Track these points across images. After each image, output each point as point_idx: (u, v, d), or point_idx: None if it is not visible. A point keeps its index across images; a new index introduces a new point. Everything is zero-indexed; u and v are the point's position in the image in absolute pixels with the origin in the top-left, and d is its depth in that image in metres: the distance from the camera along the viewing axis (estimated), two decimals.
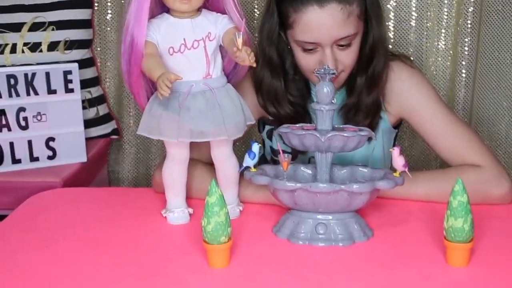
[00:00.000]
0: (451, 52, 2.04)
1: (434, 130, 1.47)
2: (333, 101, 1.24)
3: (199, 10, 1.31)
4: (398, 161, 1.23)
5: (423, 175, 1.42)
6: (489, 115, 2.09)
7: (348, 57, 1.43)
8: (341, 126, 1.29)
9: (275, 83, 1.50)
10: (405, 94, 1.49)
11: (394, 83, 1.50)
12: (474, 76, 2.05)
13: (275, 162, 1.59)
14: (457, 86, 2.06)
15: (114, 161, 2.22)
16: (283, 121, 1.47)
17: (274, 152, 1.61)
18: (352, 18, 1.39)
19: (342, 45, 1.41)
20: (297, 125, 1.29)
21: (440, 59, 2.05)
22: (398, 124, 1.61)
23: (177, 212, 1.34)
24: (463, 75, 2.05)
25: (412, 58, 2.03)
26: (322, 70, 1.22)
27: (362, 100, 1.48)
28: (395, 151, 1.23)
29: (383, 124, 1.54)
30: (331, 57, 1.40)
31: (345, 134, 1.21)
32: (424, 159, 2.14)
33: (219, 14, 1.31)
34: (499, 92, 2.07)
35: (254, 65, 1.22)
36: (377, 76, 1.48)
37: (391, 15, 2.03)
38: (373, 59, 1.47)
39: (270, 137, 1.62)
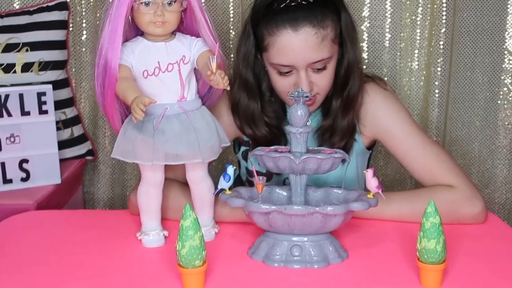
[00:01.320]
0: (424, 72, 2.07)
1: (407, 151, 1.49)
2: (308, 123, 1.25)
3: (173, 33, 1.32)
4: (372, 182, 1.25)
5: (396, 196, 1.44)
6: (463, 134, 2.12)
7: (323, 80, 1.45)
8: (316, 148, 1.30)
9: (252, 105, 1.51)
10: (379, 116, 1.52)
11: (369, 106, 1.52)
12: (447, 96, 2.08)
13: (251, 183, 1.61)
14: (430, 106, 2.09)
15: (89, 182, 2.21)
16: (259, 142, 1.49)
17: (250, 173, 1.62)
18: (326, 42, 1.41)
19: (317, 69, 1.43)
20: (271, 148, 1.30)
21: (413, 79, 2.08)
22: (372, 145, 1.63)
23: (152, 235, 1.34)
24: (436, 95, 2.08)
25: (386, 79, 2.06)
26: (296, 93, 1.24)
27: (338, 123, 1.50)
28: (369, 173, 1.24)
29: (357, 145, 1.56)
30: (306, 80, 1.42)
31: (319, 157, 1.22)
32: (399, 178, 2.16)
33: (193, 37, 1.32)
34: (472, 111, 2.10)
35: (228, 88, 1.23)
36: (352, 98, 1.50)
37: (365, 36, 2.06)
38: (348, 81, 1.49)
39: (245, 158, 1.63)
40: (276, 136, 1.53)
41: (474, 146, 2.13)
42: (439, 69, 2.06)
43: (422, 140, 1.50)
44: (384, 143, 1.54)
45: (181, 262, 1.12)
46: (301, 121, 1.24)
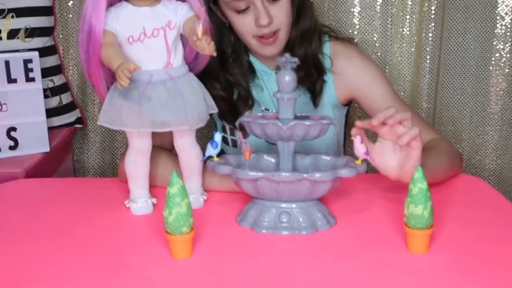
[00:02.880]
0: (415, 38, 2.05)
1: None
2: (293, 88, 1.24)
3: None
4: (360, 149, 1.24)
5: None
6: (454, 101, 2.11)
7: (280, 12, 1.48)
8: (303, 114, 1.29)
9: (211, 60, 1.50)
10: (352, 70, 1.57)
11: (341, 59, 1.57)
12: (439, 62, 2.07)
13: (226, 141, 1.65)
14: (421, 72, 2.07)
15: (78, 150, 2.20)
16: (223, 103, 1.53)
17: (225, 130, 1.64)
18: None
19: (272, 0, 1.46)
20: (259, 114, 1.29)
21: (404, 45, 2.06)
22: (348, 103, 1.67)
23: (140, 203, 1.34)
24: (428, 61, 2.07)
25: (377, 44, 2.05)
26: (284, 58, 1.23)
27: (295, 53, 1.52)
28: (357, 139, 1.24)
29: (332, 99, 1.59)
30: (264, 10, 1.45)
31: (306, 123, 1.22)
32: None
33: (179, 2, 1.30)
34: (463, 77, 2.09)
35: (215, 54, 1.22)
36: (307, 30, 1.54)
37: (356, 1, 2.04)
38: (301, 15, 1.53)
39: (220, 117, 1.64)
40: (241, 96, 1.56)
41: (465, 113, 2.13)
42: (430, 34, 2.04)
43: (398, 100, 1.58)
44: (361, 103, 1.60)
45: (169, 229, 1.12)
46: (288, 87, 1.23)
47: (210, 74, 1.49)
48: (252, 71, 1.59)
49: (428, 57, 2.06)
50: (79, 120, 2.13)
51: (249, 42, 1.52)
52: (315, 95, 1.57)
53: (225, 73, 1.56)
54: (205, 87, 1.36)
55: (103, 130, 2.18)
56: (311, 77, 1.56)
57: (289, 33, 1.53)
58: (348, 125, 1.73)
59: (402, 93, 2.09)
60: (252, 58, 1.60)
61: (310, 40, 1.55)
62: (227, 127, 1.64)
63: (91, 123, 2.17)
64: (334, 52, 1.59)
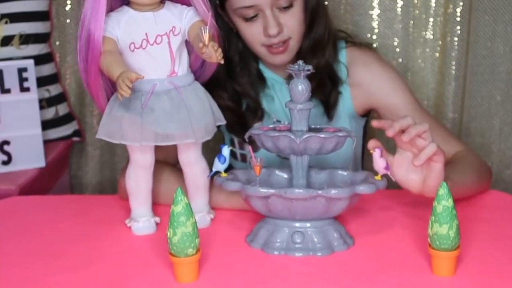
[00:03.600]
0: (439, 42, 2.06)
1: None
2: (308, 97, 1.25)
3: (162, 2, 1.31)
4: (380, 163, 1.24)
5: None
6: (482, 110, 2.11)
7: (292, 20, 1.49)
8: (318, 126, 1.30)
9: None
10: (371, 79, 1.58)
11: (359, 68, 1.58)
12: (465, 68, 2.07)
13: (235, 155, 1.65)
14: (446, 79, 2.08)
15: (76, 165, 2.21)
16: (224, 112, 1.49)
17: (233, 143, 1.66)
18: None
19: (283, 7, 1.47)
20: (270, 126, 1.30)
21: (428, 50, 2.07)
22: (367, 114, 1.67)
23: (142, 222, 1.34)
24: (453, 67, 2.07)
25: (398, 50, 2.05)
26: (296, 66, 1.23)
27: (308, 63, 1.51)
28: (376, 153, 1.24)
29: (348, 110, 1.60)
30: (273, 19, 1.46)
31: (321, 135, 1.22)
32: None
33: (184, 6, 1.31)
34: (492, 85, 2.09)
35: (222, 61, 1.22)
36: (319, 39, 1.55)
37: (375, 3, 2.04)
38: (314, 23, 1.54)
39: (229, 129, 1.65)
40: (250, 106, 1.57)
41: (495, 123, 2.12)
42: (456, 38, 2.04)
43: (421, 110, 1.58)
44: (382, 113, 1.60)
45: (173, 250, 1.13)
46: (301, 97, 1.24)
47: (217, 84, 1.50)
48: (261, 79, 1.61)
49: (453, 63, 2.07)
50: (76, 133, 2.15)
51: (258, 50, 1.54)
52: (329, 107, 1.58)
53: (232, 83, 1.57)
54: (212, 97, 1.37)
55: (102, 143, 2.20)
56: (324, 89, 1.56)
57: (301, 41, 1.54)
58: (366, 137, 1.73)
59: (425, 102, 2.10)
60: (261, 66, 1.61)
61: (323, 49, 1.56)
62: (236, 140, 1.65)
63: (89, 136, 2.19)
64: (350, 59, 1.60)
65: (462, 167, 1.43)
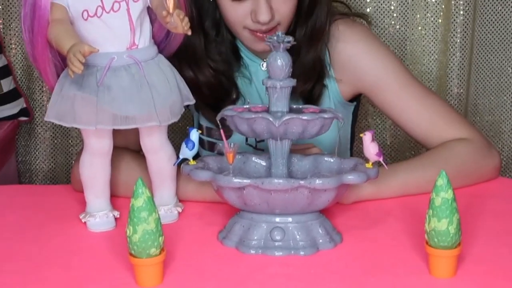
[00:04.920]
0: (443, 6, 2.07)
1: (404, 106, 1.55)
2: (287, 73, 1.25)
3: None
4: (371, 148, 1.25)
5: (401, 165, 1.47)
6: (491, 85, 2.13)
7: (285, 5, 1.48)
8: (300, 106, 1.31)
9: (193, 40, 1.51)
10: (362, 63, 1.57)
11: (342, 45, 1.56)
12: (472, 36, 2.08)
13: (202, 144, 1.65)
14: (450, 48, 2.09)
15: (24, 149, 2.21)
16: (202, 89, 1.52)
17: (201, 129, 1.64)
18: None
19: None
20: (245, 106, 1.30)
21: (429, 15, 2.08)
22: (355, 98, 1.67)
23: (99, 217, 1.35)
24: (458, 35, 2.08)
25: (394, 15, 2.05)
26: (275, 37, 1.24)
27: (301, 59, 1.52)
28: (367, 137, 1.25)
29: (332, 95, 1.59)
30: (266, 4, 1.44)
31: (304, 117, 1.23)
32: (396, 144, 2.18)
33: None
34: (503, 56, 2.11)
35: (189, 32, 1.23)
36: (319, 29, 1.53)
37: None
38: (314, 8, 1.52)
39: (198, 109, 1.66)
40: (224, 85, 1.56)
41: (506, 99, 2.14)
42: (461, 2, 2.05)
43: (420, 90, 1.56)
44: (373, 99, 1.59)
45: (133, 250, 1.13)
46: (281, 73, 1.24)
47: (194, 55, 1.51)
48: (236, 57, 1.60)
49: (458, 30, 2.08)
50: (24, 112, 2.14)
51: (239, 33, 1.53)
52: (312, 103, 1.55)
53: (207, 59, 1.56)
54: (190, 71, 1.37)
55: (54, 124, 2.18)
56: (307, 82, 1.55)
57: (288, 27, 1.52)
58: (356, 122, 1.74)
59: (426, 76, 2.11)
60: (239, 43, 1.60)
61: (322, 40, 1.54)
62: (204, 126, 1.65)
63: (39, 115, 2.18)
64: (334, 35, 1.58)
65: (429, 161, 1.46)
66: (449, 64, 2.10)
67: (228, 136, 1.51)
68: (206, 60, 1.55)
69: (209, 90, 1.55)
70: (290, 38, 1.25)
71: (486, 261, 1.20)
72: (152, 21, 1.33)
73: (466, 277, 1.15)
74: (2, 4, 2.11)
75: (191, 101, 1.37)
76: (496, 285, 1.13)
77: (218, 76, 1.57)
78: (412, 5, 2.07)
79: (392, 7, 2.07)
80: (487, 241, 1.27)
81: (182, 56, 1.50)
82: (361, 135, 1.27)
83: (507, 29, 2.09)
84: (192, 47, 1.52)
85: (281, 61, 1.24)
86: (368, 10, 2.01)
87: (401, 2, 2.07)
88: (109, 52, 1.27)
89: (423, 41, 2.09)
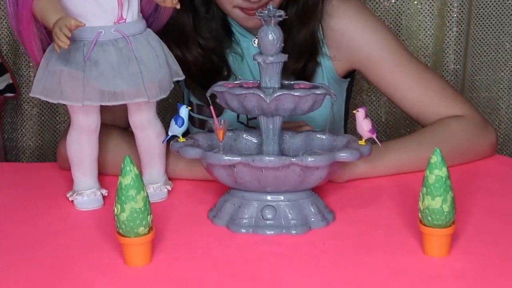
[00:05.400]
0: None
1: (400, 82, 1.55)
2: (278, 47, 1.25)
3: None
4: (364, 125, 1.26)
5: (394, 143, 1.47)
6: (489, 59, 2.13)
7: None
8: (292, 82, 1.31)
9: (182, 18, 1.51)
10: (357, 39, 1.57)
11: (336, 21, 1.56)
12: (469, 10, 2.08)
13: (193, 121, 1.65)
14: (447, 23, 2.09)
15: (10, 126, 2.21)
16: (191, 68, 1.52)
17: (192, 107, 1.64)
18: None
19: None
20: (236, 82, 1.30)
21: None
22: (349, 74, 1.67)
23: (86, 195, 1.36)
24: (455, 9, 2.08)
25: None
26: (266, 11, 1.23)
27: (293, 36, 1.52)
28: (360, 113, 1.26)
29: (326, 72, 1.59)
30: None
31: (296, 93, 1.23)
32: (391, 121, 2.18)
33: None
34: (501, 30, 2.11)
35: (178, 6, 1.23)
36: (312, 5, 1.53)
37: None
38: None
39: (189, 87, 1.65)
40: (215, 64, 1.56)
41: (503, 75, 2.14)
42: None
43: (416, 66, 1.56)
44: (368, 75, 1.60)
45: (121, 229, 1.14)
46: (272, 48, 1.24)
47: (182, 33, 1.51)
48: (227, 34, 1.59)
49: (455, 4, 2.08)
50: (10, 88, 2.13)
51: (229, 11, 1.52)
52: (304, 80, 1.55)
53: (196, 36, 1.55)
54: (178, 50, 1.36)
55: (42, 100, 2.18)
56: (299, 60, 1.55)
57: (280, 5, 1.51)
58: (350, 99, 1.74)
59: (422, 51, 2.11)
60: (230, 19, 1.59)
61: (313, 17, 1.54)
62: (194, 104, 1.65)
63: (26, 91, 2.17)
64: (327, 10, 1.57)
65: (424, 138, 1.47)
66: (446, 39, 2.10)
67: (219, 114, 1.51)
68: (195, 38, 1.55)
69: (198, 69, 1.55)
70: (282, 12, 1.24)
71: (481, 240, 1.21)
72: None
73: (460, 256, 1.16)
74: None
75: (181, 76, 1.37)
76: (491, 264, 1.14)
77: (207, 54, 1.56)
78: None
79: None
80: (482, 220, 1.27)
81: (170, 35, 1.49)
82: (354, 111, 1.27)
83: (505, 3, 2.08)
84: (180, 25, 1.52)
85: (273, 36, 1.24)
86: None
87: None
88: (96, 26, 1.27)
89: (419, 15, 2.09)
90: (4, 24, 2.13)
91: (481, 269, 1.13)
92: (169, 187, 1.40)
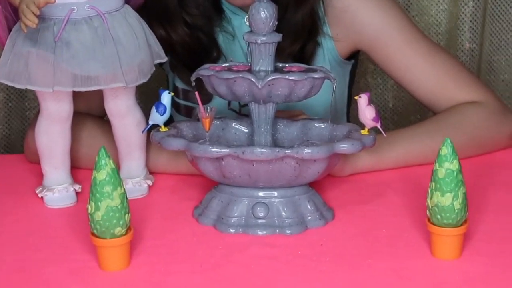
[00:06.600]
0: None
1: (410, 64, 1.55)
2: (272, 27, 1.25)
3: None
4: (367, 113, 1.26)
5: (403, 132, 1.48)
6: (508, 38, 2.13)
7: None
8: (287, 65, 1.31)
9: None
10: (362, 16, 1.57)
11: (346, 2, 1.56)
12: None
13: (178, 108, 1.65)
14: None
15: None
16: (176, 50, 1.52)
17: (177, 92, 1.65)
18: None
19: None
20: (224, 65, 1.30)
21: None
22: (353, 55, 1.67)
23: (58, 191, 1.36)
24: None
25: None
26: None
27: (290, 15, 1.52)
28: (362, 100, 1.26)
29: (328, 53, 1.59)
30: None
31: (291, 77, 1.23)
32: (400, 107, 2.18)
33: None
34: None
35: None
36: None
37: None
38: None
39: (173, 69, 1.66)
40: (203, 44, 1.56)
41: None
42: None
43: (427, 46, 1.56)
44: (373, 55, 1.60)
45: (96, 230, 1.14)
46: (265, 27, 1.24)
47: (166, 11, 1.51)
48: (217, 11, 1.59)
49: None
50: None
51: None
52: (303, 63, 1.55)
53: (183, 13, 1.55)
54: (162, 29, 1.37)
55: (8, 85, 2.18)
56: (297, 41, 1.55)
57: None
58: (354, 83, 1.74)
59: (434, 29, 2.11)
60: None
61: None
62: (180, 89, 1.65)
63: None
64: None
65: (436, 127, 1.48)
66: (460, 16, 2.11)
67: (207, 100, 1.51)
68: (180, 15, 1.54)
69: (184, 50, 1.55)
70: None
71: (496, 240, 1.22)
72: None
73: (473, 258, 1.16)
74: None
75: (163, 58, 1.37)
76: (507, 267, 1.14)
77: (195, 33, 1.56)
78: None
79: None
80: (497, 218, 1.28)
81: (151, 12, 1.50)
82: (355, 97, 1.27)
83: None
84: (164, 1, 1.51)
85: (265, 13, 1.24)
86: None
87: None
88: (67, 3, 1.27)
89: None
90: None
91: (495, 273, 1.13)
92: (149, 182, 1.40)
